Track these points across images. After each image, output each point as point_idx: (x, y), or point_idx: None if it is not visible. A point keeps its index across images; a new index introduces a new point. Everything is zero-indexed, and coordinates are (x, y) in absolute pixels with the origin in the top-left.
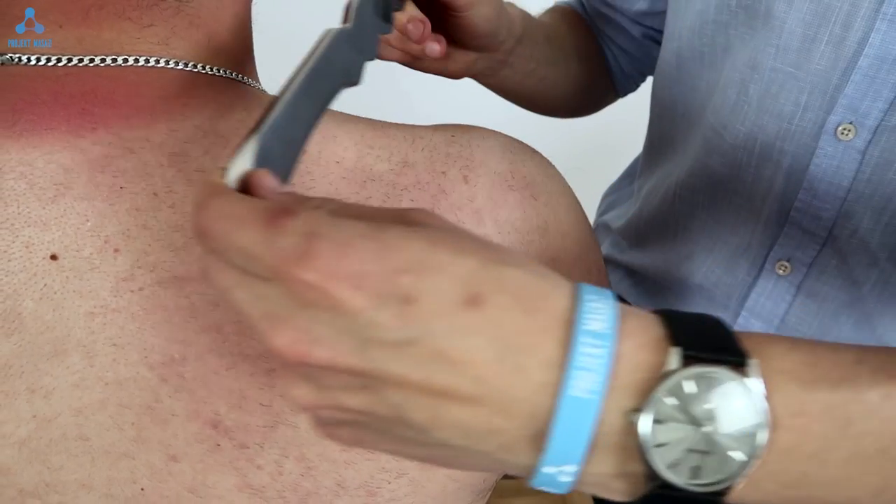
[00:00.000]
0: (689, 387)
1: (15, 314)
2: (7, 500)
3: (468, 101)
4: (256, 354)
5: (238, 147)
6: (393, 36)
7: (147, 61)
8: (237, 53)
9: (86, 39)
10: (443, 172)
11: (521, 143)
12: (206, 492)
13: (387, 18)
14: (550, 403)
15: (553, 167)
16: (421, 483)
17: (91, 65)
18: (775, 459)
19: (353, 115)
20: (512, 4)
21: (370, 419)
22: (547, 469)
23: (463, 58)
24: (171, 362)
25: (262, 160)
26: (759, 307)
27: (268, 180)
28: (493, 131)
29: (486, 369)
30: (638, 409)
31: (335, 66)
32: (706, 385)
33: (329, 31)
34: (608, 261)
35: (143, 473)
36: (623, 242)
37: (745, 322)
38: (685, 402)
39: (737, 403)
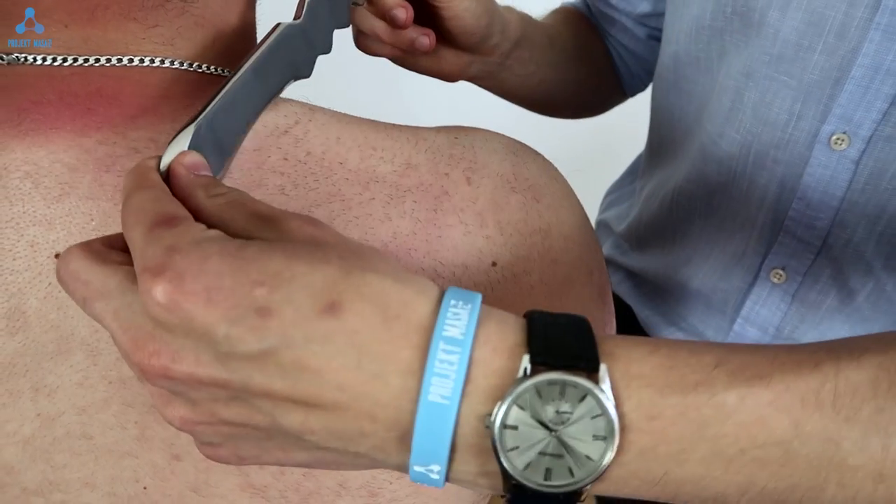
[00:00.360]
0: (540, 392)
1: (19, 313)
2: (11, 499)
3: (471, 102)
4: None
5: (176, 134)
6: (381, 29)
7: (152, 61)
8: (242, 54)
9: (91, 39)
10: (446, 174)
11: (523, 144)
12: (209, 491)
13: (342, 13)
14: (411, 408)
15: (555, 169)
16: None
17: (97, 65)
18: (633, 460)
19: (356, 117)
20: (510, 8)
21: (248, 430)
22: (417, 468)
23: (456, 59)
24: None
25: (197, 147)
26: (754, 315)
27: (190, 159)
28: (496, 133)
29: (346, 376)
30: (491, 414)
31: (284, 59)
32: (556, 391)
33: (280, 25)
34: (609, 262)
35: (145, 472)
36: (624, 245)
37: (740, 329)
38: (535, 407)
39: (586, 409)
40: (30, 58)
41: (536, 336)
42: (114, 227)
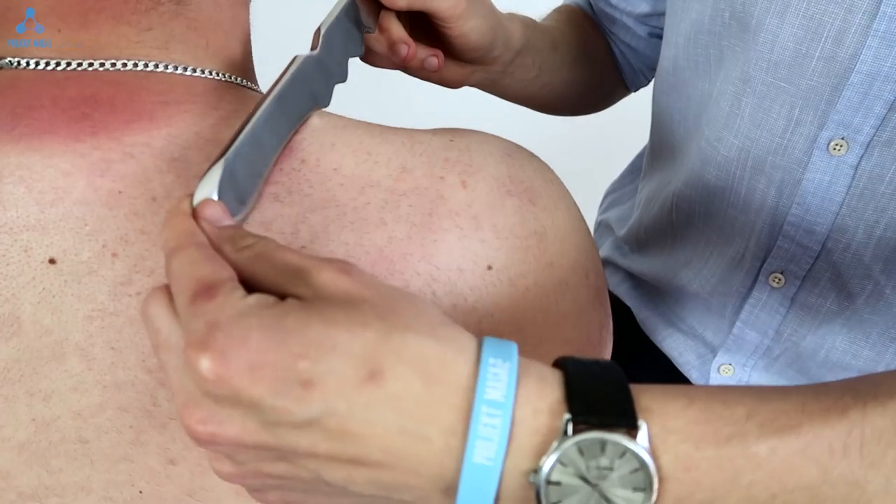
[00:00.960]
0: (582, 450)
1: (14, 318)
2: None
3: (467, 103)
4: None
5: (204, 173)
6: (385, 48)
7: (146, 65)
8: (236, 57)
9: (84, 43)
10: (441, 178)
11: (519, 147)
12: (205, 495)
13: (356, 42)
14: (455, 467)
15: (552, 172)
16: None
17: (91, 69)
18: None
19: (351, 121)
20: (512, 17)
21: (293, 482)
22: None
23: (459, 69)
24: None
25: (226, 185)
26: (753, 318)
27: (210, 212)
28: (492, 135)
29: (390, 440)
30: (535, 471)
31: (303, 90)
32: (597, 448)
33: (297, 57)
34: (609, 263)
35: (141, 476)
36: (625, 247)
37: (739, 332)
38: (577, 464)
39: (627, 464)
40: (23, 62)
41: (575, 393)
42: (107, 232)
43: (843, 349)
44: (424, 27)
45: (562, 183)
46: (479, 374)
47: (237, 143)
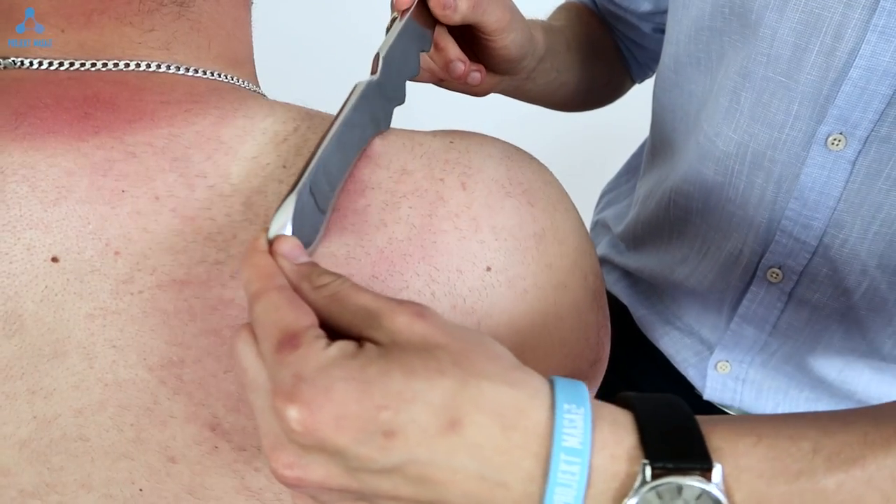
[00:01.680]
0: (661, 494)
1: (16, 316)
2: (7, 501)
3: (465, 106)
4: None
5: (278, 206)
6: (437, 68)
7: (149, 66)
8: (238, 58)
9: (87, 44)
10: (441, 179)
11: (518, 149)
12: (205, 493)
13: (413, 63)
14: None
15: (550, 173)
16: None
17: (93, 69)
18: None
19: None
20: (534, 24)
21: None
22: None
23: (491, 79)
24: (169, 365)
25: (298, 217)
26: (750, 313)
27: (287, 248)
28: (491, 137)
29: (470, 486)
30: None
31: (365, 116)
32: (675, 491)
33: (359, 84)
34: (605, 261)
35: (141, 474)
36: (621, 244)
37: (737, 327)
38: None
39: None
40: (26, 62)
41: (650, 438)
42: (110, 231)
43: (840, 345)
44: (463, 40)
45: (560, 185)
46: (556, 422)
47: (307, 173)
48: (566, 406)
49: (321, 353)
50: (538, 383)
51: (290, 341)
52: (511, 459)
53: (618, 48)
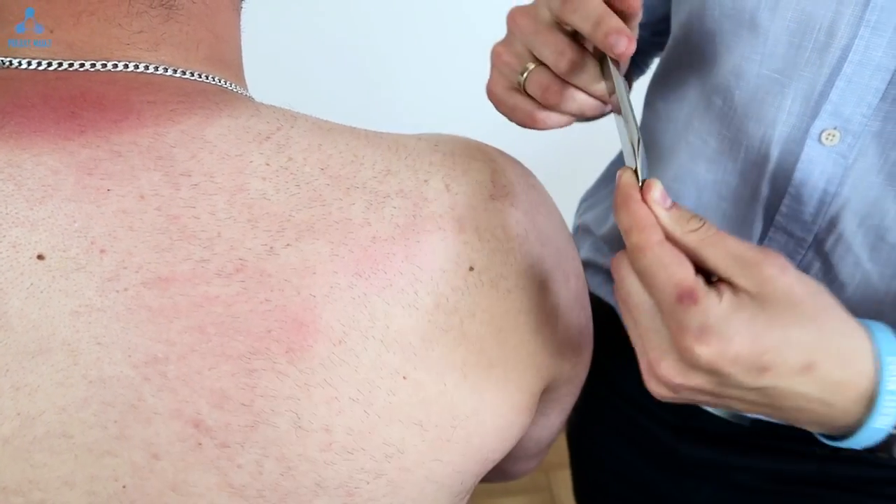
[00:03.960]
0: None
1: (1, 313)
2: None
3: (452, 109)
4: (238, 355)
5: (633, 150)
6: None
7: (136, 67)
8: (226, 60)
9: (76, 45)
10: (425, 181)
11: (502, 153)
12: (188, 490)
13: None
14: (849, 426)
15: (533, 176)
16: (399, 484)
17: (81, 69)
18: None
19: (339, 125)
20: None
21: (707, 399)
22: (850, 444)
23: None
24: (154, 362)
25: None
26: None
27: (658, 194)
28: (476, 141)
29: (803, 402)
30: None
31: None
32: None
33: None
34: (589, 264)
35: (125, 471)
36: (605, 247)
37: None
38: None
39: None
40: (14, 62)
41: None
42: (96, 229)
43: None
44: None
45: (544, 188)
46: (882, 368)
47: (637, 125)
48: (889, 359)
49: (717, 306)
50: (864, 333)
51: (689, 296)
52: (843, 390)
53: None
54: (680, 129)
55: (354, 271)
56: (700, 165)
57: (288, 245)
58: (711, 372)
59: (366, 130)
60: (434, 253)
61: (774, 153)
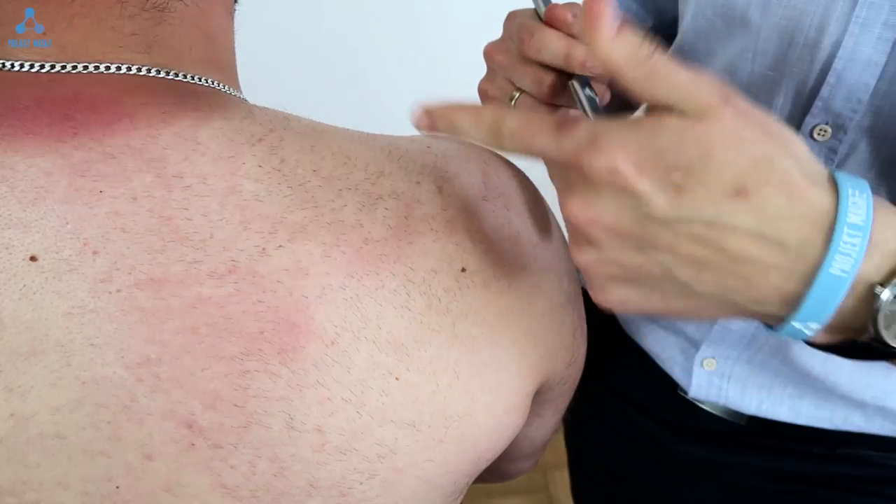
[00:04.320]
0: None
1: None
2: None
3: None
4: (231, 356)
5: None
6: None
7: (129, 69)
8: (219, 63)
9: (69, 47)
10: (417, 182)
11: (496, 154)
12: (181, 490)
13: None
14: (806, 274)
15: (527, 178)
16: (392, 484)
17: (74, 72)
18: None
19: (331, 126)
20: None
21: (640, 275)
22: (795, 324)
23: None
24: (146, 363)
25: None
26: None
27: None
28: (469, 143)
29: (748, 245)
30: (882, 284)
31: None
32: None
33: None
34: None
35: (118, 472)
36: None
37: (725, 321)
38: None
39: None
40: (7, 64)
41: None
42: (88, 231)
43: None
44: None
45: (537, 190)
46: (840, 201)
47: None
48: (851, 190)
49: (608, 121)
50: (822, 169)
51: (565, 122)
52: (793, 225)
53: None
54: None
55: (347, 272)
56: None
57: (280, 246)
58: (617, 190)
59: (359, 132)
60: (426, 254)
61: None
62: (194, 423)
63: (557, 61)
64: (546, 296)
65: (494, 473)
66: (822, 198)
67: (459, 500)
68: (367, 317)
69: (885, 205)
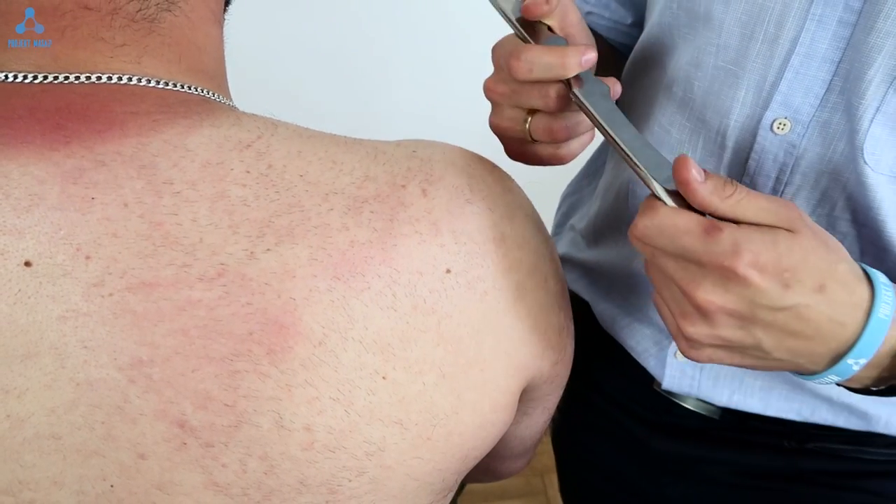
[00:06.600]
0: None
1: None
2: None
3: (433, 115)
4: (221, 357)
5: (649, 177)
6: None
7: (120, 79)
8: (208, 71)
9: (61, 58)
10: (402, 186)
11: (480, 157)
12: (174, 489)
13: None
14: (855, 340)
15: (511, 180)
16: (381, 482)
17: (66, 82)
18: None
19: (318, 132)
20: None
21: (734, 345)
22: (849, 361)
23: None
24: (139, 364)
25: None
26: None
27: (694, 171)
28: (453, 146)
29: (822, 323)
30: None
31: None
32: None
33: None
34: (566, 260)
35: (112, 471)
36: (581, 241)
37: None
38: None
39: None
40: (1, 75)
41: None
42: (81, 237)
43: None
44: None
45: (522, 192)
46: (876, 294)
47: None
48: (882, 281)
49: (743, 229)
50: (859, 268)
51: (713, 226)
52: (850, 311)
53: (617, 57)
54: (645, 119)
55: (333, 275)
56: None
57: (268, 250)
58: (745, 285)
59: (345, 137)
60: (411, 256)
61: (730, 142)
62: (186, 422)
63: (552, 74)
64: (531, 296)
65: (486, 473)
66: (864, 291)
67: (450, 498)
68: (353, 317)
69: None
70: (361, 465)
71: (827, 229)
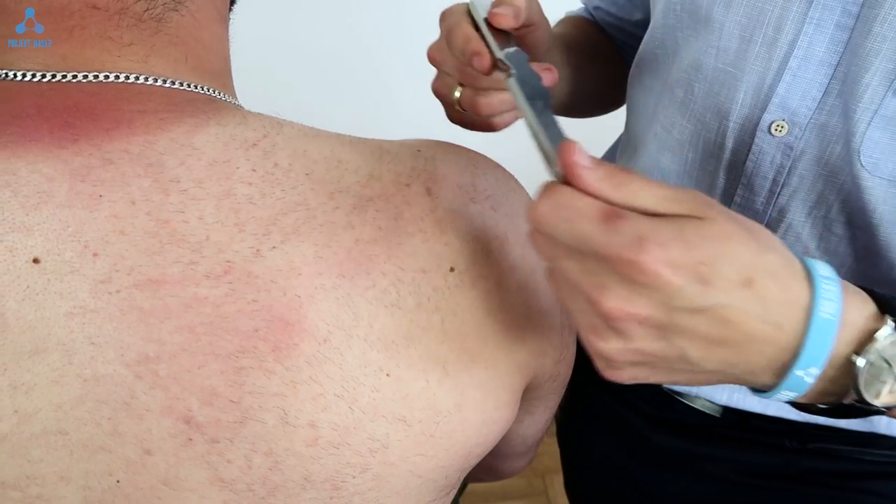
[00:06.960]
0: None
1: None
2: None
3: (435, 115)
4: (227, 353)
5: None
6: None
7: (127, 78)
8: (214, 71)
9: (69, 57)
10: (407, 185)
11: (483, 157)
12: (179, 484)
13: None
14: (795, 348)
15: (514, 180)
16: (384, 478)
17: (74, 81)
18: None
19: (323, 131)
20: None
21: (656, 359)
22: (798, 372)
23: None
24: (145, 360)
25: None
26: None
27: (577, 156)
28: (457, 146)
29: (754, 326)
30: (857, 353)
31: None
32: None
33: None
34: None
35: (118, 466)
36: None
37: None
38: (891, 354)
39: None
40: (10, 74)
41: (887, 308)
42: (89, 234)
43: None
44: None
45: (525, 192)
46: (815, 289)
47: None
48: (822, 273)
49: (647, 219)
50: (798, 261)
51: (613, 213)
52: (786, 309)
53: (621, 54)
54: (648, 120)
55: (338, 272)
56: (665, 156)
57: (274, 248)
58: (656, 287)
59: (350, 136)
60: (415, 254)
61: (729, 143)
62: (192, 418)
63: (462, 59)
64: (534, 295)
65: (488, 472)
66: (802, 285)
67: (452, 495)
68: (358, 315)
69: (851, 290)
70: (365, 462)
71: (823, 232)
